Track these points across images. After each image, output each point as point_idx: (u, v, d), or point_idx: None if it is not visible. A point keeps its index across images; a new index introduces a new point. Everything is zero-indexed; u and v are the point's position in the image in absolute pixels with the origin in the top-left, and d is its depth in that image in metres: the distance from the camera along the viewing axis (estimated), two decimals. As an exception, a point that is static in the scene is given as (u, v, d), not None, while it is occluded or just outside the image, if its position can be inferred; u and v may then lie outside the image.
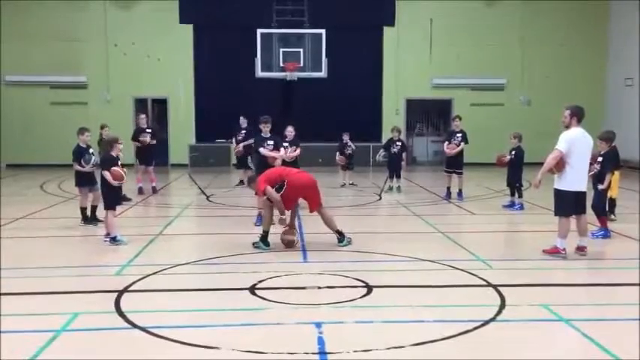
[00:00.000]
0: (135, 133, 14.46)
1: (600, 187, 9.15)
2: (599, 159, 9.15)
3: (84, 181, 10.22)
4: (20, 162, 21.44)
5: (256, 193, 10.26)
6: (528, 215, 11.34)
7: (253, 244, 8.43)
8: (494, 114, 22.37)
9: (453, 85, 22.50)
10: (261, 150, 10.35)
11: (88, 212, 10.26)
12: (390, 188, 14.73)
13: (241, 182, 15.84)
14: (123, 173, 8.68)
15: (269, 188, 8.32)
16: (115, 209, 8.88)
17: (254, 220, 10.20)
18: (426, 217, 10.99)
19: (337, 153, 15.76)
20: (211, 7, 21.55)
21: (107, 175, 8.63)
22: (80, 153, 10.16)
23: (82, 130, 10.39)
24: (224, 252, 8.16)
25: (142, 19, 21.81)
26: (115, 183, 8.67)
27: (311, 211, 8.82)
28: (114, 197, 8.84)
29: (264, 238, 8.40)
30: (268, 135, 10.56)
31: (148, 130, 14.22)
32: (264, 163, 10.27)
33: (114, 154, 8.83)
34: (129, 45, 21.88)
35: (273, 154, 10.35)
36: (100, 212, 9.69)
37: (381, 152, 15.03)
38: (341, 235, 8.59)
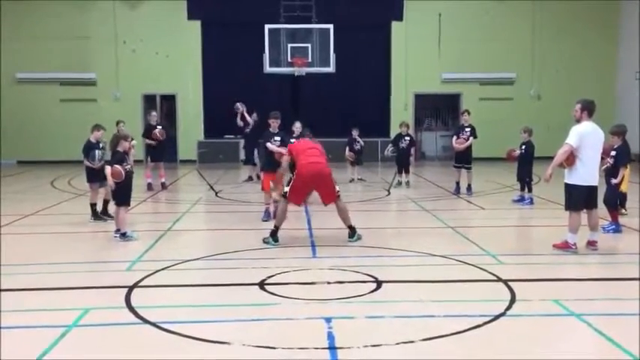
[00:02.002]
0: (146, 130, 14.52)
1: (614, 181, 9.08)
2: (613, 153, 9.07)
3: (94, 177, 10.25)
4: (31, 158, 21.59)
5: (262, 189, 10.30)
6: (538, 210, 11.30)
7: (263, 239, 8.43)
8: (504, 108, 22.29)
9: (461, 79, 22.42)
10: (269, 145, 10.29)
11: (99, 208, 10.29)
12: (399, 183, 14.72)
13: (250, 178, 15.86)
14: (122, 173, 8.57)
15: (286, 158, 8.70)
16: (128, 205, 8.91)
17: (261, 216, 10.21)
18: (436, 212, 10.96)
19: (347, 148, 15.75)
20: (219, 3, 21.56)
21: (107, 169, 8.65)
22: (89, 148, 10.18)
23: (97, 127, 10.42)
24: (233, 247, 8.18)
25: (150, 15, 21.87)
26: (110, 181, 8.67)
27: (325, 204, 8.72)
28: (125, 194, 8.85)
29: (273, 233, 8.39)
30: (276, 131, 10.50)
31: (158, 127, 14.26)
32: (271, 159, 10.24)
33: (120, 149, 8.83)
34: (137, 42, 21.95)
35: (281, 150, 10.28)
36: (111, 207, 9.75)
37: (390, 148, 15.00)
38: (352, 231, 8.57)
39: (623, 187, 9.88)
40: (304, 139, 9.75)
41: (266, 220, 10.00)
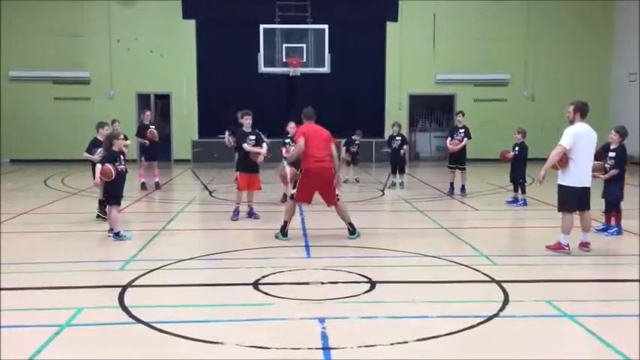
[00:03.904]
0: (139, 129, 14.46)
1: (602, 176, 8.89)
2: (612, 154, 8.93)
3: None
4: (24, 157, 21.50)
5: (238, 188, 10.30)
6: (531, 211, 11.33)
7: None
8: (498, 109, 22.35)
9: (456, 80, 22.47)
10: (245, 146, 10.11)
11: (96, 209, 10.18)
12: (393, 184, 14.72)
13: None
14: (112, 172, 8.52)
15: (298, 147, 8.55)
16: (119, 205, 8.88)
17: (230, 216, 10.23)
18: (429, 213, 10.98)
19: (344, 149, 15.74)
20: (214, 2, 21.54)
21: (98, 167, 8.63)
22: (96, 145, 10.08)
23: (102, 124, 10.40)
24: (227, 247, 8.18)
25: (145, 14, 21.82)
26: (96, 179, 8.63)
27: (328, 206, 8.85)
28: (116, 193, 8.82)
29: (283, 228, 8.54)
30: (249, 129, 10.29)
31: (152, 126, 14.21)
32: (246, 159, 10.14)
33: (116, 149, 8.81)
34: (132, 40, 21.89)
35: (257, 149, 10.14)
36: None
37: (385, 147, 14.93)
38: (353, 228, 8.68)
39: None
40: (314, 127, 8.78)
41: (235, 220, 10.05)
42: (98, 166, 8.65)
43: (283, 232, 8.56)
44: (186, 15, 21.80)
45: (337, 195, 8.69)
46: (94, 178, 10.10)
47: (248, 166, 10.16)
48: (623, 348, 4.65)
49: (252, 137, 10.22)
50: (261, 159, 10.23)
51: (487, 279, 6.61)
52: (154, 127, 14.28)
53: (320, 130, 8.74)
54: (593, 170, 8.15)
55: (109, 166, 8.52)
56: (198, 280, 6.90)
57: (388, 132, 19.30)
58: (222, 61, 21.73)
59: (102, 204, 10.05)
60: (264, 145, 10.41)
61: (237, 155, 10.60)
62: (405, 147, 14.82)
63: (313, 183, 8.57)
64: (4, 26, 21.42)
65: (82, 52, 21.86)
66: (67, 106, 21.84)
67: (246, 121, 10.28)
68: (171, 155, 22.24)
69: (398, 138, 14.62)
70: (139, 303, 5.78)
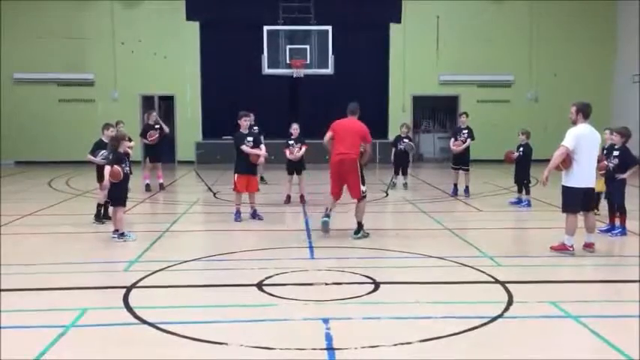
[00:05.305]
0: (143, 130, 14.48)
1: (621, 175, 8.79)
2: (616, 153, 8.85)
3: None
4: (28, 159, 21.55)
5: (235, 189, 10.29)
6: (536, 212, 11.32)
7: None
8: (501, 111, 22.31)
9: (459, 81, 22.44)
10: (244, 148, 10.07)
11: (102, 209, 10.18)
12: (394, 184, 14.72)
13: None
14: (121, 174, 8.56)
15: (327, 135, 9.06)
16: (124, 206, 8.91)
17: (233, 217, 10.20)
18: (433, 214, 10.98)
19: None
20: (217, 4, 21.56)
21: (107, 169, 8.65)
22: (100, 147, 10.06)
23: (107, 126, 10.37)
24: (231, 248, 8.19)
25: (148, 16, 21.85)
26: (105, 181, 8.67)
27: (353, 197, 8.96)
28: (121, 195, 8.84)
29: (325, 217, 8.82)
30: (247, 131, 10.27)
31: (156, 127, 14.22)
32: (245, 161, 10.12)
33: (122, 151, 8.85)
34: (135, 43, 21.92)
35: (256, 151, 10.14)
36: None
37: (405, 143, 14.70)
38: (359, 227, 8.78)
39: (599, 188, 9.69)
40: (346, 121, 9.33)
41: (238, 221, 10.04)
42: (107, 168, 8.66)
43: (324, 214, 8.81)
44: (189, 16, 21.80)
45: (363, 192, 8.78)
46: (97, 179, 10.16)
47: (245, 167, 10.15)
48: (628, 349, 4.65)
49: (250, 139, 10.19)
50: (261, 160, 10.23)
51: (491, 280, 6.61)
52: (158, 126, 14.27)
53: (351, 126, 9.08)
54: (598, 169, 8.11)
55: (117, 167, 8.56)
56: (203, 281, 6.92)
57: (392, 133, 19.32)
58: (225, 62, 21.74)
59: (101, 207, 10.07)
60: (262, 146, 10.36)
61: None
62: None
63: (334, 174, 8.85)
64: (8, 29, 21.46)
65: (85, 54, 21.89)
66: (71, 108, 21.88)
67: (244, 123, 10.24)
68: (175, 156, 22.26)
69: (405, 140, 14.62)
70: (143, 304, 5.80)
